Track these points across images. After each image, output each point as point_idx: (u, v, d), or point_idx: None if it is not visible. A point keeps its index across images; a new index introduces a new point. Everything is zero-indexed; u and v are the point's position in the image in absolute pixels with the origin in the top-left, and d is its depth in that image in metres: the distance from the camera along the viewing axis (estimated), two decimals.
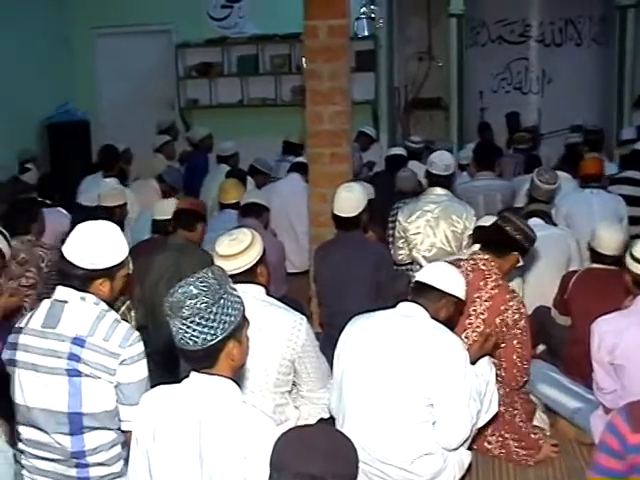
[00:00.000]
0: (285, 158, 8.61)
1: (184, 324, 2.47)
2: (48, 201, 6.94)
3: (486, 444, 4.18)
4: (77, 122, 10.86)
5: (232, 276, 3.02)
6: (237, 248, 3.65)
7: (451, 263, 3.87)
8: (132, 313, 4.49)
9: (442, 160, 5.82)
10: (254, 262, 3.68)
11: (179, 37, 11.13)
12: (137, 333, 3.06)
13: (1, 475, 3.30)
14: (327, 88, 5.41)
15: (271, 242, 5.46)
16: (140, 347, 3.04)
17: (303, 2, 5.43)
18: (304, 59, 5.60)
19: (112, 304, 3.22)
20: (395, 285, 4.98)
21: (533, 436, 4.20)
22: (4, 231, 4.76)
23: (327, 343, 4.09)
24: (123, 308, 4.36)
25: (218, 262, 3.58)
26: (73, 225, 5.78)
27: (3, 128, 9.67)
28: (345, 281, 4.79)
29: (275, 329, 3.62)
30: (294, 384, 3.81)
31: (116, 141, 8.62)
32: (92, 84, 11.53)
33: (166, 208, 5.52)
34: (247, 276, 3.67)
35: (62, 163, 10.25)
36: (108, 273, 3.08)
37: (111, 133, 10.52)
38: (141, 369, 3.03)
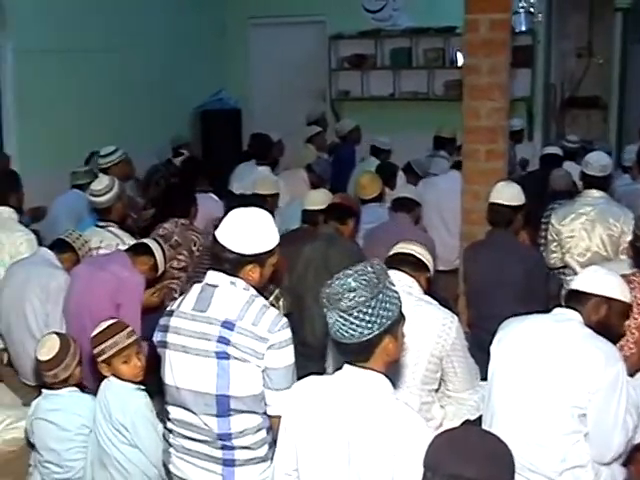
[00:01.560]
0: (436, 153, 8.50)
1: (342, 316, 2.47)
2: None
3: None
4: (229, 110, 11.06)
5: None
6: None
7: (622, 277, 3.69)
8: (280, 302, 4.54)
9: (598, 161, 5.63)
10: None
11: (333, 28, 11.14)
12: (285, 319, 3.07)
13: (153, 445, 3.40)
14: (486, 83, 5.30)
15: (421, 238, 5.40)
16: (288, 333, 3.04)
17: None
18: (462, 53, 5.50)
19: (261, 292, 3.23)
20: (547, 289, 4.85)
21: None
22: (161, 242, 4.90)
23: (474, 344, 4.04)
24: (271, 298, 4.42)
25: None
26: (227, 211, 5.97)
27: (159, 113, 9.98)
28: (495, 284, 4.70)
29: (426, 325, 3.61)
30: (441, 383, 3.76)
31: (266, 130, 8.74)
32: (245, 73, 11.73)
33: (317, 198, 5.55)
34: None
35: (213, 149, 10.47)
36: (258, 259, 3.10)
37: (262, 122, 10.67)
38: (288, 355, 3.03)
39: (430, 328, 3.61)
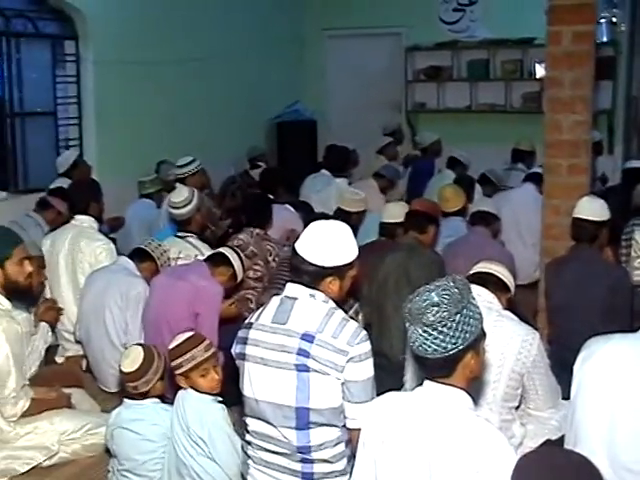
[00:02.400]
0: (514, 166, 8.41)
1: (425, 331, 2.44)
2: (270, 196, 7.14)
3: None
4: (305, 121, 11.11)
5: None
6: None
7: None
8: (360, 317, 4.52)
9: None
10: None
11: (409, 40, 11.12)
12: (365, 332, 3.05)
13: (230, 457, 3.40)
14: (568, 96, 5.20)
15: (499, 252, 5.35)
16: (368, 346, 3.02)
17: (548, 7, 5.24)
18: (544, 65, 5.42)
19: (341, 305, 3.21)
20: (631, 307, 4.72)
21: None
22: (241, 254, 4.93)
23: (555, 361, 3.94)
24: (351, 312, 4.40)
25: None
26: (305, 223, 5.98)
27: (236, 124, 10.07)
28: (577, 302, 4.60)
29: (507, 341, 3.56)
30: (521, 400, 3.70)
31: (342, 142, 8.75)
32: (322, 84, 11.76)
33: (395, 211, 5.54)
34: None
35: (288, 161, 10.52)
36: (338, 271, 3.09)
37: (337, 133, 10.69)
38: (368, 368, 3.01)
39: (511, 344, 3.56)
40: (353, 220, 6.03)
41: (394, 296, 4.72)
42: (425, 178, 8.53)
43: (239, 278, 4.99)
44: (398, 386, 3.96)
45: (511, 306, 3.93)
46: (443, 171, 8.33)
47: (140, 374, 3.64)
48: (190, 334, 3.60)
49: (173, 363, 3.52)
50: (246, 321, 3.23)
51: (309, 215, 6.42)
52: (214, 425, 3.46)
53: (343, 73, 11.55)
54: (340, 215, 6.01)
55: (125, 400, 3.79)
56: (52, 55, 8.18)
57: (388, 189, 7.24)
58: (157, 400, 3.75)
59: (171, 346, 3.56)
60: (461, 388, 2.54)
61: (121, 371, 3.71)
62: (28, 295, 4.70)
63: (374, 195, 7.33)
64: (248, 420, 3.18)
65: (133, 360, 3.64)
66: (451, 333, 2.43)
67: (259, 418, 3.12)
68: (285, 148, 10.81)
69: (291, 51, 11.45)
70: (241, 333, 3.18)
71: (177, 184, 6.85)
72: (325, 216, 5.97)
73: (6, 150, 7.76)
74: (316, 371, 2.96)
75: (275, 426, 3.06)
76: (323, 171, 7.98)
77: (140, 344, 3.84)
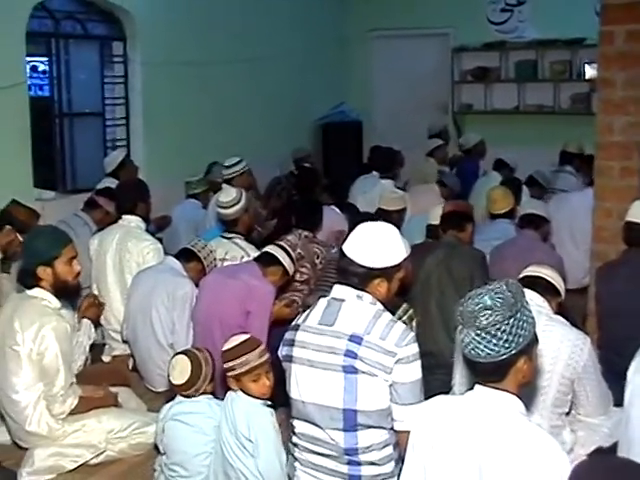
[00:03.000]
0: (562, 168, 8.30)
1: (478, 334, 2.42)
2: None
3: None
4: (350, 122, 11.08)
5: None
6: None
7: None
8: (413, 323, 4.47)
9: None
10: None
11: (456, 41, 11.06)
12: (413, 334, 3.03)
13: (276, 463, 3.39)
14: (620, 97, 5.10)
15: (549, 255, 5.28)
16: (415, 348, 3.00)
17: (601, 6, 5.16)
18: (596, 66, 5.33)
19: (391, 309, 3.18)
20: None
21: None
22: (288, 249, 4.92)
23: (605, 367, 3.87)
24: (405, 317, 4.36)
25: None
26: (351, 224, 5.96)
27: (281, 125, 10.09)
28: (628, 307, 4.49)
29: (557, 346, 3.52)
30: (572, 406, 3.65)
31: (387, 143, 8.72)
32: (367, 85, 11.74)
33: (440, 214, 5.48)
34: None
35: (334, 162, 10.50)
36: (386, 273, 3.08)
37: (383, 134, 10.67)
38: (416, 370, 2.99)
39: (562, 349, 3.51)
40: (393, 219, 6.00)
41: (437, 294, 4.72)
42: (470, 179, 8.46)
43: (290, 272, 4.99)
44: (446, 381, 3.94)
45: (561, 310, 3.88)
46: (489, 173, 8.25)
47: (190, 385, 3.68)
48: (246, 337, 3.56)
49: (226, 365, 3.49)
50: (293, 323, 3.22)
51: (355, 216, 6.39)
52: (261, 429, 3.44)
53: (389, 74, 11.51)
54: (380, 215, 5.99)
55: (177, 397, 3.80)
56: (100, 56, 8.28)
57: (448, 198, 7.22)
58: (210, 396, 3.77)
59: (225, 347, 3.53)
60: (513, 393, 2.52)
61: (170, 382, 3.74)
62: (75, 294, 4.75)
63: (434, 201, 7.23)
64: (295, 422, 3.17)
65: (181, 372, 3.66)
66: (504, 337, 2.40)
67: (306, 420, 3.11)
68: (330, 149, 10.80)
69: (337, 52, 11.45)
70: (288, 335, 3.18)
71: (224, 184, 6.89)
72: (369, 216, 5.96)
73: (55, 150, 7.86)
74: (364, 372, 2.95)
75: (322, 428, 3.05)
76: (374, 172, 7.94)
77: (186, 352, 3.81)
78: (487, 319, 2.40)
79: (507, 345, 2.41)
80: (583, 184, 7.51)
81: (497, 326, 2.39)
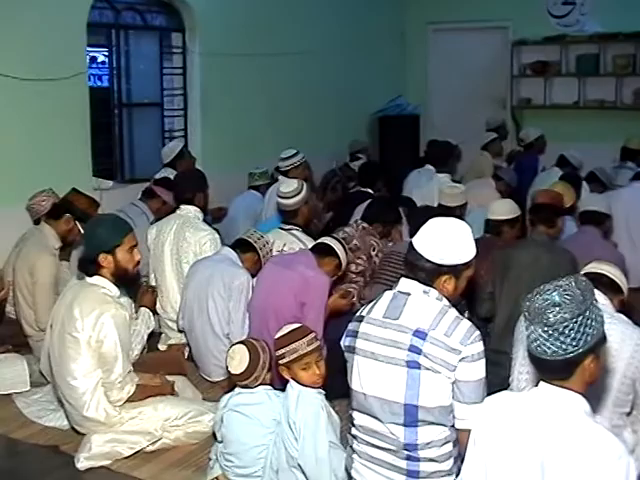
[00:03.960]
0: (623, 165, 8.16)
1: (546, 331, 2.38)
2: (370, 190, 7.10)
3: None
4: (407, 116, 11.00)
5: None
6: None
7: None
8: (465, 314, 4.42)
9: None
10: None
11: (516, 34, 10.93)
12: (478, 332, 2.99)
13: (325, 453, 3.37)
14: None
15: (610, 252, 5.18)
16: (480, 346, 2.97)
17: None
18: None
19: (454, 305, 3.14)
20: None
21: None
22: (343, 241, 4.91)
23: None
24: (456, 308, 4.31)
25: None
26: (409, 219, 5.92)
27: (338, 118, 10.08)
28: None
29: (619, 344, 3.44)
30: (633, 406, 3.57)
31: (444, 136, 8.65)
32: (424, 79, 11.69)
33: (501, 208, 5.48)
34: None
35: (390, 155, 10.44)
36: (455, 270, 3.05)
37: (440, 128, 10.60)
38: (480, 368, 2.96)
39: (623, 348, 3.43)
40: (456, 215, 5.92)
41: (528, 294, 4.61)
42: (529, 174, 8.38)
43: (344, 265, 4.98)
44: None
45: (624, 308, 3.79)
46: (550, 168, 8.13)
47: (248, 374, 3.69)
48: (296, 326, 3.60)
49: (277, 353, 3.53)
50: (357, 314, 3.20)
51: (412, 210, 6.35)
52: (304, 415, 3.44)
53: (446, 67, 11.44)
54: (442, 211, 5.92)
55: (237, 387, 3.81)
56: (159, 47, 8.33)
57: (504, 193, 7.13)
58: (269, 387, 3.78)
59: (277, 336, 3.57)
60: (578, 392, 2.47)
61: (229, 372, 3.75)
62: (135, 282, 4.78)
63: (490, 195, 7.17)
64: (355, 414, 3.16)
65: (240, 361, 3.67)
66: (572, 335, 2.36)
67: (366, 413, 3.09)
68: (387, 142, 10.73)
69: (395, 45, 11.41)
70: (351, 326, 3.16)
71: (280, 176, 6.89)
72: (429, 209, 5.91)
73: (113, 140, 7.93)
74: (427, 369, 2.92)
75: (382, 422, 3.03)
76: (428, 166, 7.87)
77: (243, 342, 3.83)
78: (555, 316, 2.36)
79: (575, 343, 2.36)
80: None
81: (565, 324, 2.35)
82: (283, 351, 3.50)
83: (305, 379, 3.50)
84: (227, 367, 3.76)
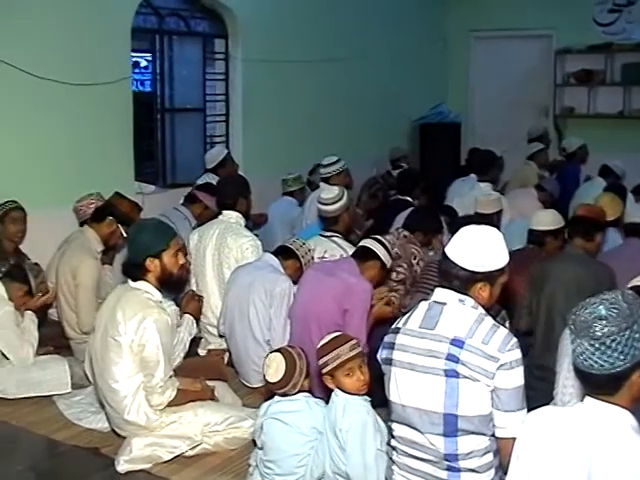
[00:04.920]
0: None
1: (592, 345, 2.34)
2: (408, 198, 7.09)
3: None
4: (448, 124, 11.00)
5: None
6: None
7: None
8: (507, 324, 4.39)
9: None
10: None
11: (560, 42, 10.87)
12: (516, 339, 2.96)
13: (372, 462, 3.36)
14: None
15: None
16: (518, 354, 2.94)
17: None
18: None
19: (489, 312, 3.13)
20: None
21: None
22: (384, 241, 4.89)
23: None
24: (497, 319, 4.28)
25: None
26: (449, 227, 5.90)
27: (379, 125, 10.08)
28: None
29: None
30: None
31: (485, 145, 8.60)
32: (466, 87, 11.66)
33: (545, 219, 5.43)
34: None
35: (431, 163, 10.42)
36: (489, 277, 3.03)
37: (481, 136, 10.55)
38: (519, 376, 2.93)
39: None
40: (492, 222, 5.89)
41: (564, 309, 4.53)
42: (571, 184, 8.30)
43: (388, 265, 4.95)
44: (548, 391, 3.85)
45: None
46: (594, 179, 8.05)
47: (286, 382, 3.68)
48: (337, 334, 3.60)
49: (319, 362, 3.51)
50: (393, 326, 3.19)
51: (453, 219, 6.32)
52: (351, 423, 3.43)
53: (489, 75, 11.40)
54: (478, 219, 5.88)
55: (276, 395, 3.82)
56: (202, 53, 8.39)
57: (546, 203, 7.08)
58: (308, 394, 3.77)
59: (319, 346, 3.56)
60: (625, 408, 2.42)
61: (267, 381, 3.75)
62: (179, 286, 4.80)
63: (532, 205, 7.11)
64: (394, 425, 3.14)
65: (276, 370, 3.67)
66: (619, 349, 2.31)
67: (405, 424, 3.07)
68: (428, 150, 10.72)
69: (436, 52, 11.39)
70: (388, 338, 3.15)
71: (321, 183, 6.89)
72: (469, 218, 5.88)
73: (155, 145, 8.00)
74: (466, 377, 2.90)
75: (422, 432, 3.01)
76: (471, 175, 7.84)
77: (279, 350, 3.81)
78: (601, 330, 2.32)
79: (622, 357, 2.32)
80: None
81: (612, 337, 2.31)
82: (326, 359, 3.49)
83: (349, 386, 3.49)
84: (264, 376, 3.76)
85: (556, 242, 5.35)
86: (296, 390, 3.72)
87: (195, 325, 4.92)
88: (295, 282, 5.07)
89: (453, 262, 3.02)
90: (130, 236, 4.37)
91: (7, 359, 5.11)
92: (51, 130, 6.48)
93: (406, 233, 5.84)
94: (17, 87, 6.21)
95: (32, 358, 5.14)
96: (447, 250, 3.08)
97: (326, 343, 3.54)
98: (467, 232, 3.08)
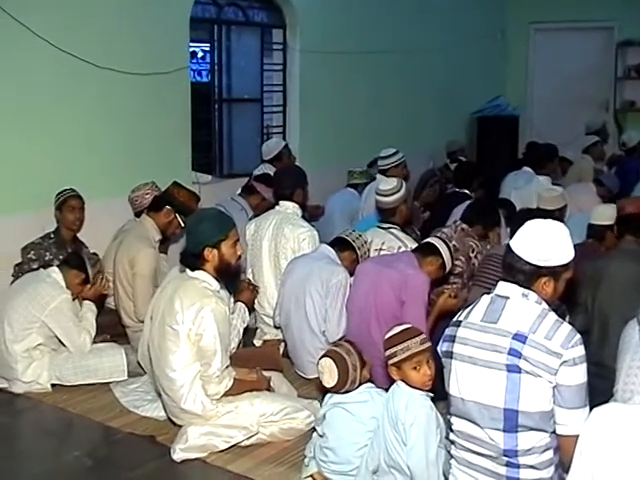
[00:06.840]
0: None
1: None
2: (466, 191, 7.02)
3: None
4: (506, 117, 10.90)
5: None
6: None
7: None
8: (566, 319, 4.32)
9: None
10: None
11: (621, 35, 10.72)
12: (579, 335, 2.93)
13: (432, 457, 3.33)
14: None
15: None
16: (582, 350, 2.91)
17: None
18: None
19: (553, 307, 3.07)
20: None
21: None
22: (450, 244, 4.86)
23: None
24: (557, 313, 4.21)
25: None
26: (507, 220, 5.82)
27: (437, 117, 10.04)
28: None
29: None
30: None
31: (544, 138, 8.52)
32: (524, 79, 11.57)
33: (605, 213, 5.32)
34: None
35: (488, 156, 10.33)
36: (554, 272, 3.00)
37: (539, 130, 10.43)
38: (581, 372, 2.89)
39: None
40: (555, 218, 5.78)
41: (622, 306, 4.45)
42: (631, 179, 8.15)
43: (448, 268, 4.92)
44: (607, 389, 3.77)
45: None
46: None
47: (343, 383, 3.68)
48: (407, 326, 3.56)
49: (387, 352, 3.49)
50: (454, 319, 3.17)
51: (512, 213, 6.24)
52: (414, 418, 3.39)
53: (548, 68, 11.27)
54: (541, 215, 5.77)
55: None
56: (260, 43, 8.39)
57: (605, 198, 6.97)
58: (371, 384, 3.77)
59: (387, 336, 3.53)
60: None
61: (324, 387, 3.75)
62: (235, 276, 4.81)
63: (591, 200, 7.00)
64: (453, 419, 3.13)
65: (330, 375, 3.67)
66: None
67: (465, 418, 3.05)
68: (485, 143, 10.64)
69: (495, 45, 11.30)
70: (449, 331, 3.14)
71: (378, 175, 6.86)
72: (529, 212, 5.79)
73: (212, 135, 8.02)
74: (527, 372, 2.88)
75: (481, 427, 2.99)
76: (525, 168, 7.74)
77: (327, 354, 3.77)
78: None
79: None
80: None
81: None
82: (395, 349, 3.46)
83: (415, 380, 3.46)
84: (321, 382, 3.77)
85: (615, 237, 5.25)
86: (357, 384, 3.71)
87: (248, 313, 4.94)
88: (351, 274, 5.05)
89: (518, 256, 3.00)
90: (189, 226, 4.38)
91: (64, 346, 5.17)
92: (110, 119, 6.53)
93: (464, 226, 5.78)
94: (79, 77, 6.25)
95: (89, 346, 5.19)
96: (512, 243, 3.06)
97: (396, 334, 3.51)
98: (533, 226, 3.06)
